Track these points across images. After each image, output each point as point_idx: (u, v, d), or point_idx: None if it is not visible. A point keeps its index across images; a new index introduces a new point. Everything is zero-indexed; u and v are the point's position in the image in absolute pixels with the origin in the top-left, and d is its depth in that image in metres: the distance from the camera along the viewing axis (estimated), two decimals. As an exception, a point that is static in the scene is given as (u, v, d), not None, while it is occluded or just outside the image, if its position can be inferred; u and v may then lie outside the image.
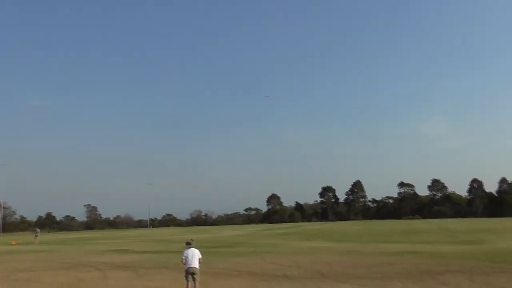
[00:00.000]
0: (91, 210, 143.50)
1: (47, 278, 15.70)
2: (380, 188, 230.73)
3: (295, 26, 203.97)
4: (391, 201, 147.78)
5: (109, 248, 31.87)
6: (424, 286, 11.92)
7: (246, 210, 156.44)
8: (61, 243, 43.33)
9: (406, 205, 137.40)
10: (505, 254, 19.17)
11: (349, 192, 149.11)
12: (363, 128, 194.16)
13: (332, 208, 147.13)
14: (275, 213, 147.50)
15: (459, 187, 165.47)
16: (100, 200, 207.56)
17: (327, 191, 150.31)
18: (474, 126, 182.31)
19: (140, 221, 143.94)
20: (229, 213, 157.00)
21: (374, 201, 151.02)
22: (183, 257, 11.24)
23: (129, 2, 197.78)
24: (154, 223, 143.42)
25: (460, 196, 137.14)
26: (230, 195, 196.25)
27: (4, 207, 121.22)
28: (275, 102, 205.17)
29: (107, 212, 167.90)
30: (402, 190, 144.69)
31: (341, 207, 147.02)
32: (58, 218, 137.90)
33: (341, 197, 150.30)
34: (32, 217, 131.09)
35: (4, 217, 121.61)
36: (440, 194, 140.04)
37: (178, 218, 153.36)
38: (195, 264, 11.04)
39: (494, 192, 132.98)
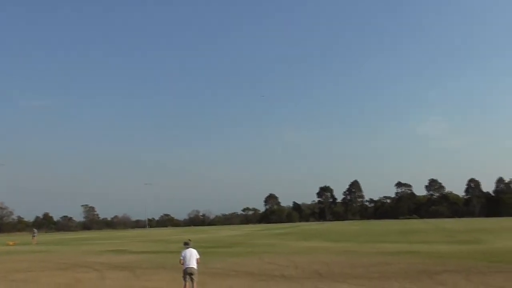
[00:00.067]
0: (89, 210, 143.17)
1: (45, 279, 15.68)
2: (377, 188, 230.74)
3: (295, 26, 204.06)
4: (388, 201, 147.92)
5: (107, 249, 31.84)
6: (422, 285, 11.95)
7: (244, 210, 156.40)
8: (58, 244, 43.25)
9: (404, 205, 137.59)
10: (502, 253, 19.25)
11: (347, 192, 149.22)
12: (362, 128, 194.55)
13: (329, 208, 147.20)
14: (273, 213, 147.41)
15: (456, 187, 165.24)
16: (97, 200, 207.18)
17: (324, 191, 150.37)
18: (473, 126, 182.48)
19: (137, 221, 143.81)
20: (227, 213, 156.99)
21: (371, 201, 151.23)
22: (181, 257, 11.25)
23: (129, 2, 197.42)
24: (152, 223, 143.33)
25: (457, 196, 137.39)
26: (228, 195, 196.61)
27: (1, 208, 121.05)
28: (275, 102, 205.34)
29: (104, 212, 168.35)
30: (399, 190, 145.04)
31: (339, 207, 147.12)
32: (55, 219, 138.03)
33: (339, 197, 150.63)
34: (29, 217, 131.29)
35: (1, 218, 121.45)
36: (437, 194, 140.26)
37: (175, 218, 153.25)
38: (193, 264, 11.05)
39: (491, 192, 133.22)
